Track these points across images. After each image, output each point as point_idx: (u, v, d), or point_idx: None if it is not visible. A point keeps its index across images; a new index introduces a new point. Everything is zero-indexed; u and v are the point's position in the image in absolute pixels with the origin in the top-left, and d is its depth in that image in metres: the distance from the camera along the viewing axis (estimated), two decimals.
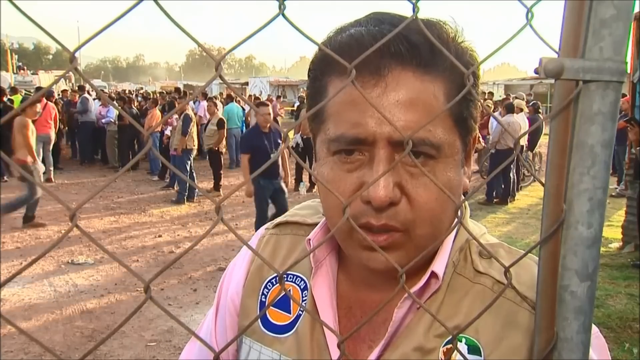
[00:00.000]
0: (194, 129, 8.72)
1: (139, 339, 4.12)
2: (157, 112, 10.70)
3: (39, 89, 12.44)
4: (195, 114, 9.98)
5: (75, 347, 3.98)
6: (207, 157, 9.68)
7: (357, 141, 0.61)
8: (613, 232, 6.65)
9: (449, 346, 0.65)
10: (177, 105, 10.79)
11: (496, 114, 9.37)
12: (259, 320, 0.77)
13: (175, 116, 8.87)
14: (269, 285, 0.79)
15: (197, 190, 8.63)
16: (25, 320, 4.42)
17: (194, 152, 9.01)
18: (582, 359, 0.50)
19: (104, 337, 0.40)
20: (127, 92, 21.31)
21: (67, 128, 13.21)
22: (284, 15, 0.40)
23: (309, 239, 0.75)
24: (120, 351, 3.93)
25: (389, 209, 0.60)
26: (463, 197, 0.75)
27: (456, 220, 0.51)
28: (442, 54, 0.58)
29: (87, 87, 14.03)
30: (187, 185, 8.82)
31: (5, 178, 10.31)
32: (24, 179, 6.56)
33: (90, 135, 12.44)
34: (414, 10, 0.47)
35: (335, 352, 0.69)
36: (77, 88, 13.67)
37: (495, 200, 8.94)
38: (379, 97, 0.60)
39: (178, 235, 7.07)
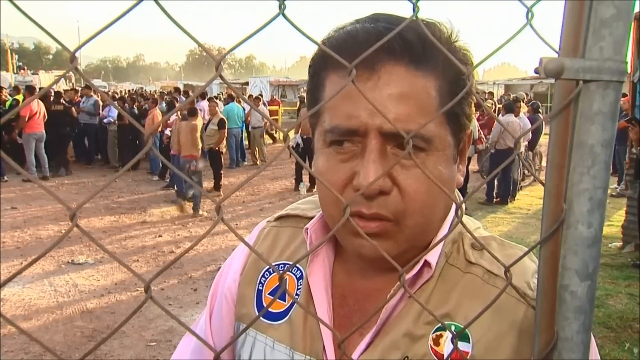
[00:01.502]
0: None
1: (139, 338, 4.12)
2: (157, 112, 10.68)
3: (28, 87, 12.20)
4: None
5: (76, 347, 3.98)
6: (207, 157, 9.67)
7: (350, 132, 0.63)
8: (613, 232, 6.64)
9: (438, 333, 0.67)
10: (176, 105, 10.78)
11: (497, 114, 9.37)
12: (255, 308, 0.80)
13: (174, 117, 8.86)
14: (266, 275, 0.82)
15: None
16: (25, 320, 4.42)
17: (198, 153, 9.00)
18: (582, 359, 0.50)
19: (104, 337, 0.41)
20: (132, 91, 21.26)
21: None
22: (284, 15, 0.40)
23: (307, 228, 0.77)
24: (120, 351, 3.93)
25: (379, 198, 0.63)
26: (460, 194, 0.76)
27: (456, 220, 0.51)
28: (433, 51, 0.61)
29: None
30: (185, 184, 8.81)
31: (5, 178, 10.32)
32: (194, 173, 7.99)
33: (94, 137, 12.32)
34: (414, 10, 0.47)
35: (328, 340, 0.71)
36: (83, 87, 13.26)
37: (495, 200, 8.93)
38: (372, 90, 0.62)
39: (178, 235, 7.06)
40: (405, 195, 0.63)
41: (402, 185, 0.63)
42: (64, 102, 11.37)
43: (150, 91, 23.59)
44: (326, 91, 0.67)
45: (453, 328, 0.66)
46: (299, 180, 9.89)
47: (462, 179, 0.71)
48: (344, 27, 0.67)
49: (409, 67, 0.63)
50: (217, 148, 9.42)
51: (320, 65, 0.69)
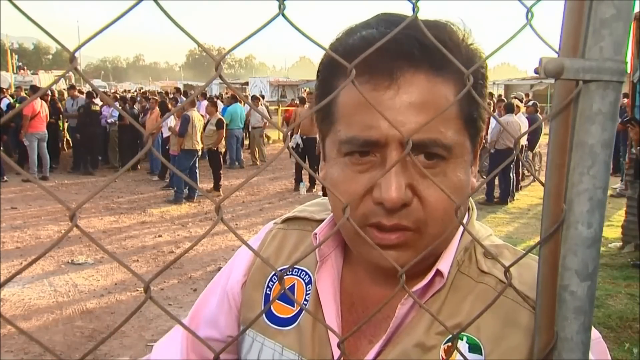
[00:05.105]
0: (196, 130, 8.69)
1: (139, 338, 4.12)
2: (158, 112, 10.67)
3: (33, 87, 12.29)
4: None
5: (75, 347, 3.98)
6: (207, 157, 9.67)
7: (369, 143, 0.61)
8: (613, 232, 6.64)
9: (449, 344, 0.65)
10: (170, 106, 10.72)
11: (495, 113, 9.38)
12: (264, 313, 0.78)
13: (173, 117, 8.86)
14: (274, 279, 0.80)
15: (197, 190, 8.64)
16: (25, 320, 4.42)
17: (199, 153, 8.99)
18: (582, 359, 0.50)
19: (104, 337, 0.40)
20: (126, 92, 21.08)
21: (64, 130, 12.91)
22: (284, 15, 0.40)
23: (315, 234, 0.76)
24: (120, 351, 3.93)
25: (400, 210, 0.61)
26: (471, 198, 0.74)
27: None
28: (453, 56, 0.58)
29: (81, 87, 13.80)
30: (184, 185, 8.81)
31: (5, 178, 10.33)
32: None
33: (101, 141, 11.99)
34: (413, 10, 0.47)
35: (336, 348, 0.69)
36: (68, 88, 12.80)
37: (495, 200, 8.94)
38: (392, 99, 0.60)
39: (178, 235, 7.06)
40: (427, 205, 0.61)
41: (422, 195, 0.61)
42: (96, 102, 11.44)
43: (153, 90, 23.05)
44: (338, 98, 0.64)
45: (465, 339, 0.64)
46: (298, 180, 9.89)
47: (475, 182, 0.69)
48: (357, 32, 0.65)
49: (429, 74, 0.61)
50: (215, 148, 9.42)
51: (331, 71, 0.67)
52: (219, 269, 0.92)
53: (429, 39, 0.59)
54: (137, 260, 6.03)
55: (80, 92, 13.00)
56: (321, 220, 0.80)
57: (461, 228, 0.70)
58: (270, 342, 0.76)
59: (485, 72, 0.67)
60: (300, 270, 0.78)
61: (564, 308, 0.50)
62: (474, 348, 0.64)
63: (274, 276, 0.80)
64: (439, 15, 0.67)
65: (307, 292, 0.76)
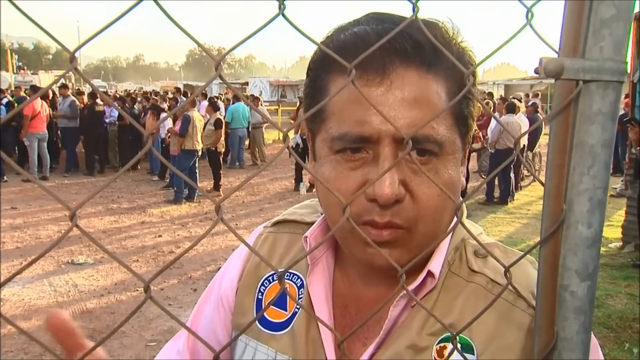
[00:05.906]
0: (196, 130, 8.69)
1: (139, 338, 4.12)
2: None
3: (33, 87, 12.27)
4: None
5: None
6: (207, 157, 9.67)
7: (362, 139, 0.61)
8: (613, 232, 6.64)
9: (442, 344, 0.65)
10: (163, 107, 10.69)
11: (495, 113, 9.38)
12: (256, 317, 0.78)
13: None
14: (266, 283, 0.80)
15: (197, 190, 8.64)
16: (25, 320, 4.42)
17: (199, 153, 8.98)
18: (582, 359, 0.50)
19: (104, 337, 0.41)
20: (129, 92, 20.99)
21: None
22: (284, 15, 0.40)
23: (306, 237, 0.75)
24: (120, 351, 3.93)
25: (393, 207, 0.61)
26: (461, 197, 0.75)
27: (456, 219, 0.51)
28: (444, 53, 0.58)
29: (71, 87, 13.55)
30: (185, 185, 8.81)
31: (5, 178, 10.33)
32: None
33: (103, 142, 11.90)
34: (413, 10, 0.47)
35: (330, 350, 0.69)
36: (60, 87, 12.14)
37: (495, 200, 8.94)
38: (384, 95, 0.60)
39: (178, 235, 7.06)
40: (418, 202, 0.61)
41: (414, 192, 0.61)
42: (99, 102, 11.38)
43: (156, 91, 22.83)
44: (329, 96, 0.64)
45: (457, 339, 0.64)
46: (298, 180, 9.89)
47: (464, 181, 0.70)
48: (348, 29, 0.65)
49: (420, 70, 0.61)
50: (214, 148, 9.42)
51: (323, 68, 0.66)
52: (219, 269, 0.91)
53: (421, 36, 0.59)
54: (137, 260, 6.03)
55: (81, 92, 12.92)
56: (311, 223, 0.79)
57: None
58: (264, 347, 0.75)
59: (476, 70, 0.67)
60: (291, 274, 0.78)
61: (564, 308, 0.50)
62: (466, 348, 0.64)
63: (266, 280, 0.80)
64: (437, 16, 0.68)
65: (300, 296, 0.76)
